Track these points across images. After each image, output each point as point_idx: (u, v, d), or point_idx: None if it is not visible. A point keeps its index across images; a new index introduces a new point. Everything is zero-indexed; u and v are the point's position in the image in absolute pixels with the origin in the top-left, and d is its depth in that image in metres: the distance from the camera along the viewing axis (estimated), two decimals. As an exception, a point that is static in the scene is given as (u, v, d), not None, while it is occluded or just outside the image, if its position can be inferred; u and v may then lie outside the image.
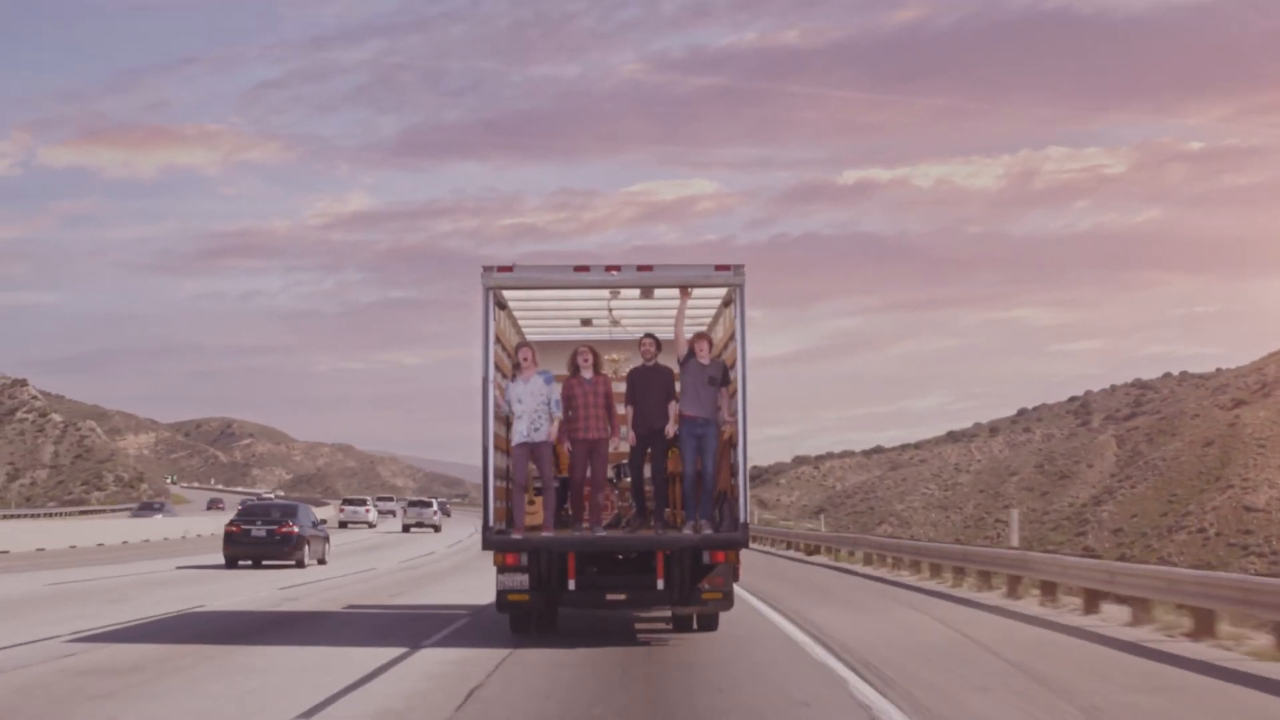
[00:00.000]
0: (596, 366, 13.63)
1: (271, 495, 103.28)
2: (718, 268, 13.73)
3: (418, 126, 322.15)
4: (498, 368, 13.69)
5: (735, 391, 13.52)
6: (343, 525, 65.30)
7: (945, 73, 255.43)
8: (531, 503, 13.59)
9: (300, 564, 30.25)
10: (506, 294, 14.29)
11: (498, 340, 13.83)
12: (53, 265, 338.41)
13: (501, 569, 13.30)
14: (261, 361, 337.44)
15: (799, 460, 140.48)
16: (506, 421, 13.80)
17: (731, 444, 13.85)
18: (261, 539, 30.27)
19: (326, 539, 33.59)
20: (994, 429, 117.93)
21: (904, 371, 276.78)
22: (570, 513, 13.78)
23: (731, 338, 13.99)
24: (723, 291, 14.38)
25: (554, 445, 13.49)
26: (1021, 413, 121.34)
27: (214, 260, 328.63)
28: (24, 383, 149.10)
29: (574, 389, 13.49)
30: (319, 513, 43.82)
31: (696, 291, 14.17)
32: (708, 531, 13.43)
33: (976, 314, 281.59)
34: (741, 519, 13.40)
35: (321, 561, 31.88)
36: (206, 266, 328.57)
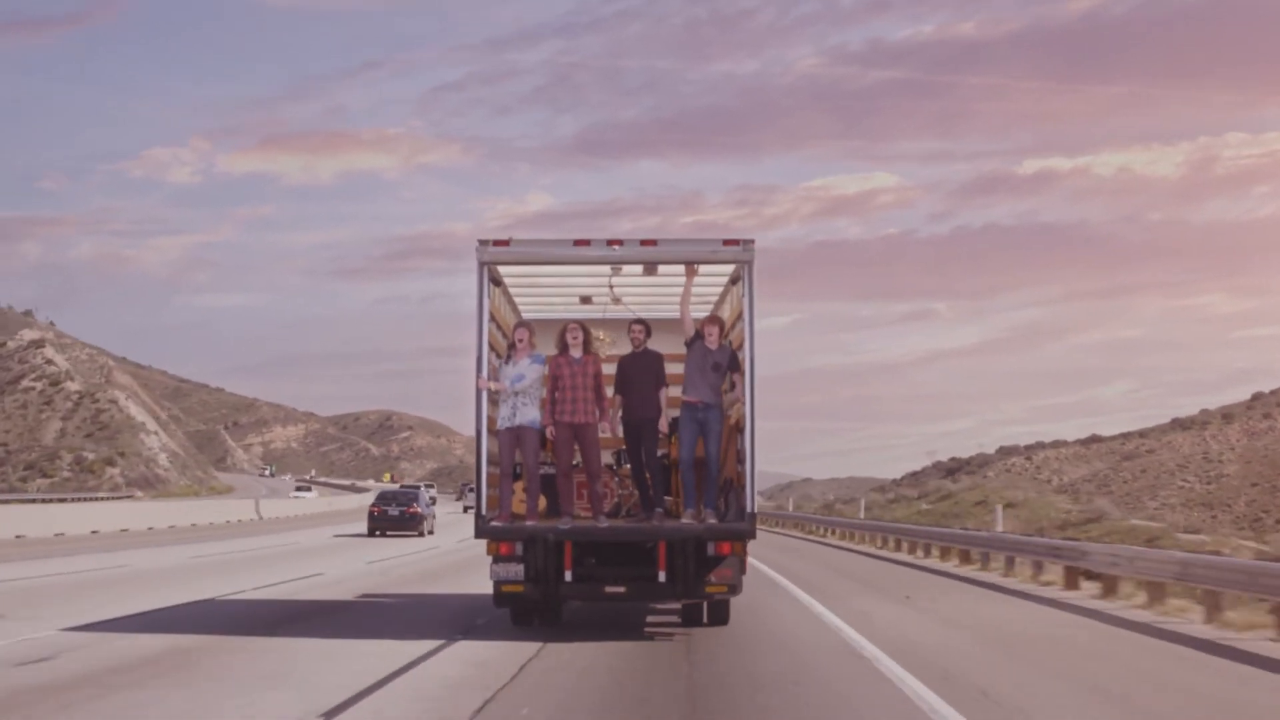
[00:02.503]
0: (587, 345, 14.32)
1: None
2: (725, 243, 14.36)
3: (596, 126, 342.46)
4: (492, 348, 14.53)
5: (742, 375, 14.20)
6: None
7: (1122, 60, 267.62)
8: (528, 489, 14.43)
9: (421, 534, 43.47)
10: (503, 270, 15.12)
11: (492, 319, 14.65)
12: (235, 271, 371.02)
13: (496, 559, 14.10)
14: (441, 362, 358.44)
15: (1005, 451, 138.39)
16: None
17: (739, 429, 14.52)
18: (395, 516, 44.08)
19: (434, 516, 47.88)
20: (1227, 415, 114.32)
21: (1087, 361, 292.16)
22: (560, 501, 14.44)
23: (739, 318, 14.63)
24: (730, 269, 15.02)
25: (542, 431, 14.23)
26: (1257, 397, 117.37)
27: (395, 263, 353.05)
28: (41, 344, 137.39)
29: (561, 368, 14.15)
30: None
31: (703, 269, 14.86)
32: (712, 521, 14.14)
33: (1159, 302, 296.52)
34: (749, 508, 14.05)
35: (430, 533, 44.67)
36: (388, 269, 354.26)
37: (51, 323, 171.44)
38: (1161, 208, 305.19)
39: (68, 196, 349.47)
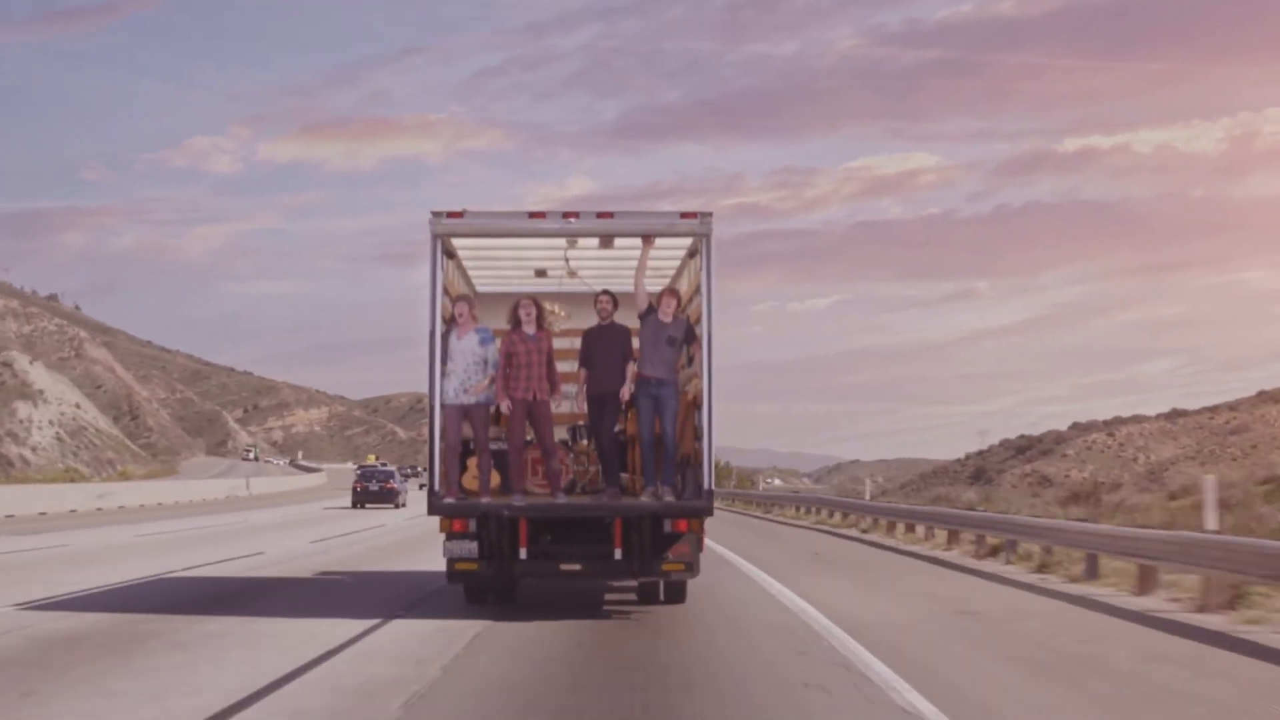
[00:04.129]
0: (540, 320, 15.31)
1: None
2: (682, 215, 15.30)
3: (637, 109, 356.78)
4: (445, 322, 15.48)
5: (700, 347, 15.11)
6: None
7: (1162, 37, 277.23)
8: (480, 465, 15.42)
9: (396, 506, 54.98)
10: (456, 242, 16.12)
11: (446, 292, 15.62)
12: (277, 258, 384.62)
13: (449, 536, 15.07)
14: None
15: (1079, 427, 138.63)
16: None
17: (696, 405, 15.45)
18: (375, 491, 56.17)
19: (406, 490, 59.63)
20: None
21: (1130, 338, 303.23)
22: (512, 478, 15.40)
23: (697, 292, 15.57)
24: (688, 242, 15.95)
25: (492, 407, 15.22)
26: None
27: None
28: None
29: (515, 345, 15.15)
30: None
31: (660, 241, 15.78)
32: (669, 498, 15.12)
33: (1202, 278, 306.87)
34: (706, 485, 15.01)
35: (404, 505, 55.13)
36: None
37: (66, 298, 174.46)
38: (1203, 184, 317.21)
39: (109, 186, 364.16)
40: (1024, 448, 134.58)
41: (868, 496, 55.45)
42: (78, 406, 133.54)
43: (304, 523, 41.43)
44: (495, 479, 15.52)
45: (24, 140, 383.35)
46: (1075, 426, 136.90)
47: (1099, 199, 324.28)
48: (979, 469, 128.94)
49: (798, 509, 54.24)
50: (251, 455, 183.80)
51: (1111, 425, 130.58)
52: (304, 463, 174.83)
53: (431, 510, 15.16)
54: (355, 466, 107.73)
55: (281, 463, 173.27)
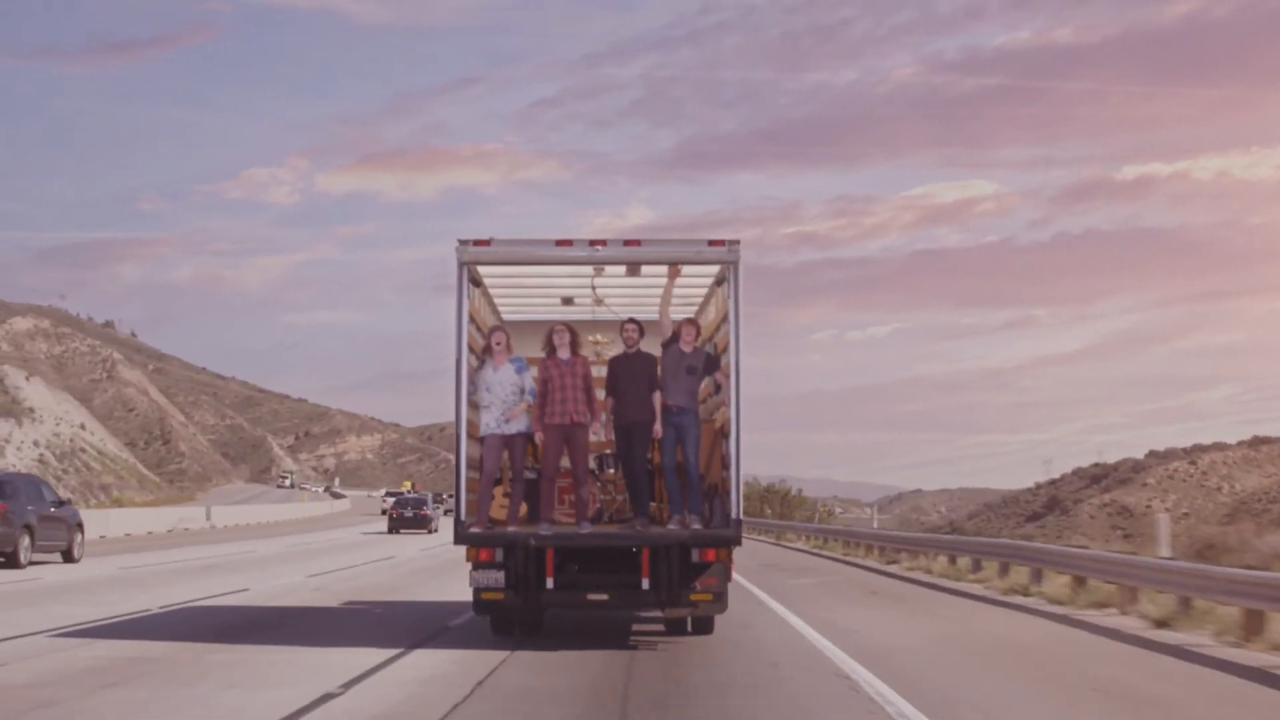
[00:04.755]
0: (574, 346, 15.65)
1: None
2: (710, 243, 15.67)
3: (694, 138, 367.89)
4: (471, 350, 15.92)
5: (727, 377, 15.49)
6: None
7: (1221, 64, 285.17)
8: (507, 495, 15.85)
9: (430, 531, 61.60)
10: (483, 270, 16.55)
11: (472, 320, 16.03)
12: (336, 289, 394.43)
13: (475, 565, 15.39)
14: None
15: (1157, 455, 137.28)
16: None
17: (724, 434, 15.81)
18: (410, 517, 63.77)
19: (439, 517, 65.92)
20: None
21: (1189, 366, 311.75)
22: (541, 507, 15.71)
23: (724, 320, 15.94)
24: (715, 270, 16.35)
25: (530, 436, 15.62)
26: None
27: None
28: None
29: (550, 371, 15.52)
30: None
31: (687, 269, 16.18)
32: (697, 527, 15.44)
33: (1262, 305, 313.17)
34: (734, 514, 15.33)
35: (436, 530, 61.51)
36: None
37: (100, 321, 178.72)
38: (1262, 211, 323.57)
39: (166, 218, 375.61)
40: (1099, 476, 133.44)
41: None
42: (82, 428, 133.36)
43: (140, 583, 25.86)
44: (523, 509, 15.90)
45: (82, 172, 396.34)
46: (1153, 454, 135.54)
47: (1158, 226, 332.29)
48: (1052, 499, 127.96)
49: (952, 560, 32.31)
50: (287, 482, 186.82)
51: (1193, 453, 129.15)
52: (338, 490, 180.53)
53: (458, 539, 15.48)
54: (385, 494, 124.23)
55: (318, 490, 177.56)
